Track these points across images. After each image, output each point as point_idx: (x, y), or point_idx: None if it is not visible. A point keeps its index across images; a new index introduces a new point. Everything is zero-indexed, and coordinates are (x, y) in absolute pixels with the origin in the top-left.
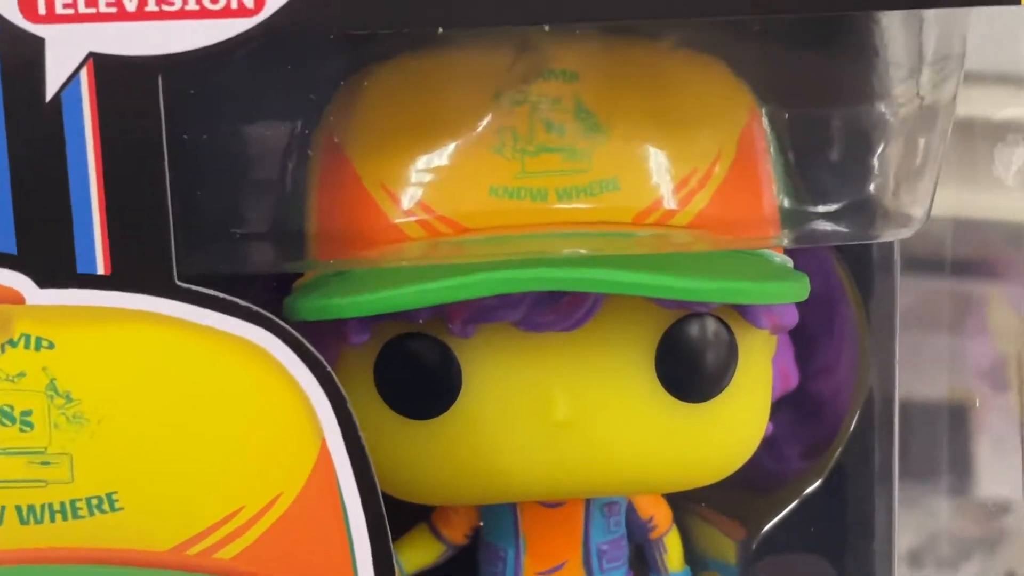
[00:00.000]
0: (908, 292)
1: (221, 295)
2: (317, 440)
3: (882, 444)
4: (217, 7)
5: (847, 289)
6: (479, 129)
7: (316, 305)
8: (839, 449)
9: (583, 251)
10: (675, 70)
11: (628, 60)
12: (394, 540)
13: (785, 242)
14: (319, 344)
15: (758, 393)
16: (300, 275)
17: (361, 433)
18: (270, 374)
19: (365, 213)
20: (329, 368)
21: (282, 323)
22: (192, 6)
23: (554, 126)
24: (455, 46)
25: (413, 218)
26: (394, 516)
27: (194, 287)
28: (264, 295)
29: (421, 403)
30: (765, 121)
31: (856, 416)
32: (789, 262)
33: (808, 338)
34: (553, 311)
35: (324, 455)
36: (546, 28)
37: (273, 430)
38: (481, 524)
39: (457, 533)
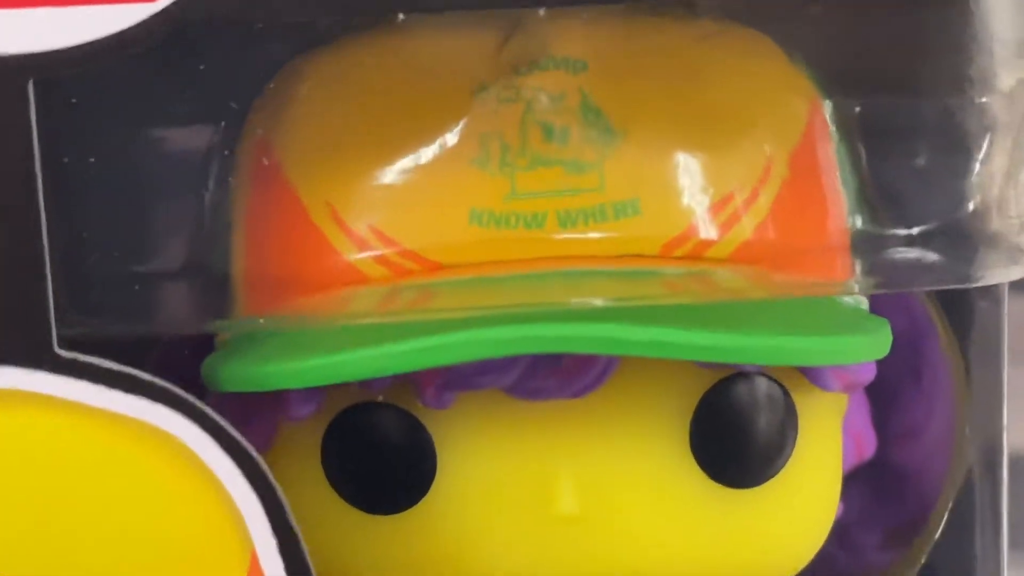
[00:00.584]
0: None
1: (116, 366)
2: (245, 553)
3: (985, 514)
4: None
5: (937, 324)
6: (455, 135)
7: (247, 373)
8: (932, 537)
9: (596, 300)
10: (712, 54)
11: (650, 43)
12: None
13: (857, 287)
14: (249, 418)
15: (825, 469)
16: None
17: (303, 542)
18: (183, 469)
19: (309, 248)
20: (259, 460)
21: (197, 403)
22: None
23: (554, 131)
24: (420, 24)
25: (371, 253)
26: None
27: (81, 357)
28: (174, 362)
29: (384, 493)
30: (830, 118)
31: (952, 497)
32: (863, 302)
33: (887, 392)
34: (555, 373)
35: (255, 572)
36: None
37: (188, 542)
38: None
39: None
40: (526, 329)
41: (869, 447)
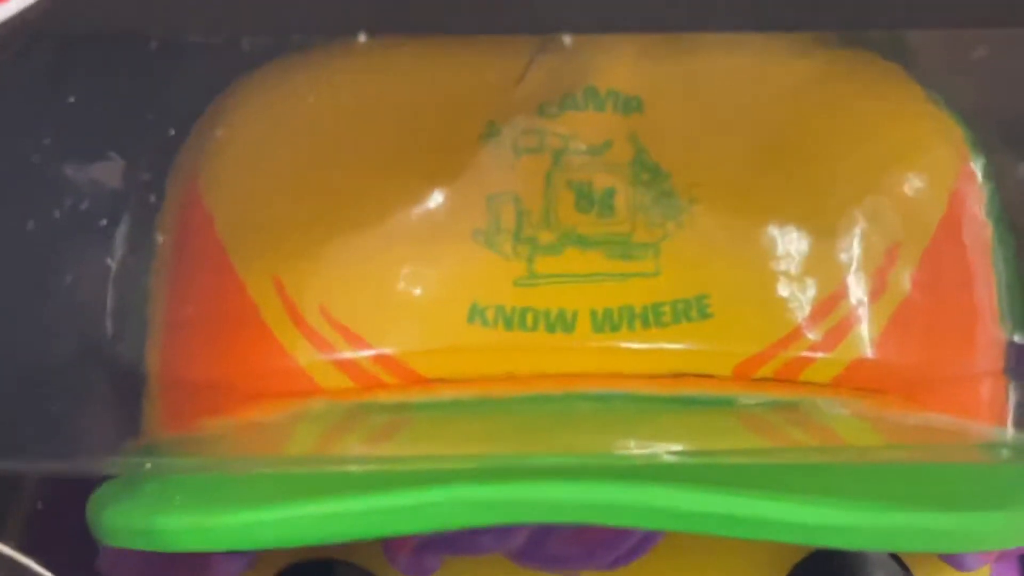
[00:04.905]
0: None
1: None
2: None
3: None
4: None
5: None
6: (450, 197)
7: (142, 524)
8: None
9: (639, 448)
10: (817, 91)
11: (732, 70)
12: None
13: (1004, 452)
14: None
15: None
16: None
17: None
18: None
19: (244, 341)
20: None
21: None
22: None
23: (593, 197)
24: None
25: (330, 355)
26: None
27: None
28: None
29: None
30: (983, 183)
31: None
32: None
33: None
34: (579, 538)
35: None
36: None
37: None
38: None
39: None
40: (538, 488)
41: None
